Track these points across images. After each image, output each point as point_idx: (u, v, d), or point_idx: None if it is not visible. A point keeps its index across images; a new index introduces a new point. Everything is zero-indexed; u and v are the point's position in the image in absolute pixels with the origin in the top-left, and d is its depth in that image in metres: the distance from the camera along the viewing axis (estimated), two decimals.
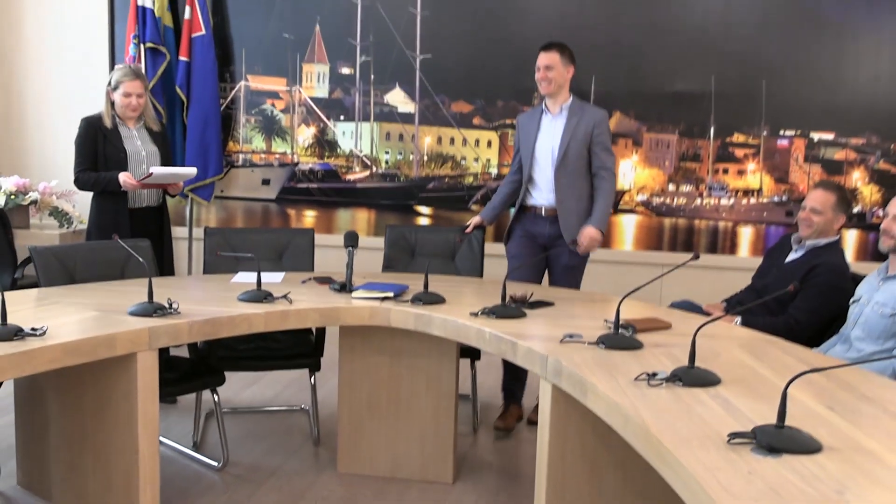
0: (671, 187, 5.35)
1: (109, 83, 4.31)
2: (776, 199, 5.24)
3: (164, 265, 4.41)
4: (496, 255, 4.54)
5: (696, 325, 2.40)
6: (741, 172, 5.26)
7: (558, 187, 4.11)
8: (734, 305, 3.87)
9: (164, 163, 4.39)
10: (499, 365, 4.37)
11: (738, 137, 5.24)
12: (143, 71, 5.26)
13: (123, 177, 4.17)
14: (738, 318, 3.50)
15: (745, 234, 5.29)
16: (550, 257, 4.19)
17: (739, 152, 5.25)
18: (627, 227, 5.44)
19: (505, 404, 4.34)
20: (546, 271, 4.26)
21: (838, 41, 5.04)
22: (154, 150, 4.37)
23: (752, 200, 5.27)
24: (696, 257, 2.96)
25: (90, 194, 4.38)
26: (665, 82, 5.25)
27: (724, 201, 5.29)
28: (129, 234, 4.15)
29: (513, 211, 4.34)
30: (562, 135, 4.10)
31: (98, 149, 4.26)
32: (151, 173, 4.12)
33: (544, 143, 4.16)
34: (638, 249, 5.39)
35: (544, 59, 4.10)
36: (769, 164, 5.23)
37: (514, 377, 4.27)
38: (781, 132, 5.18)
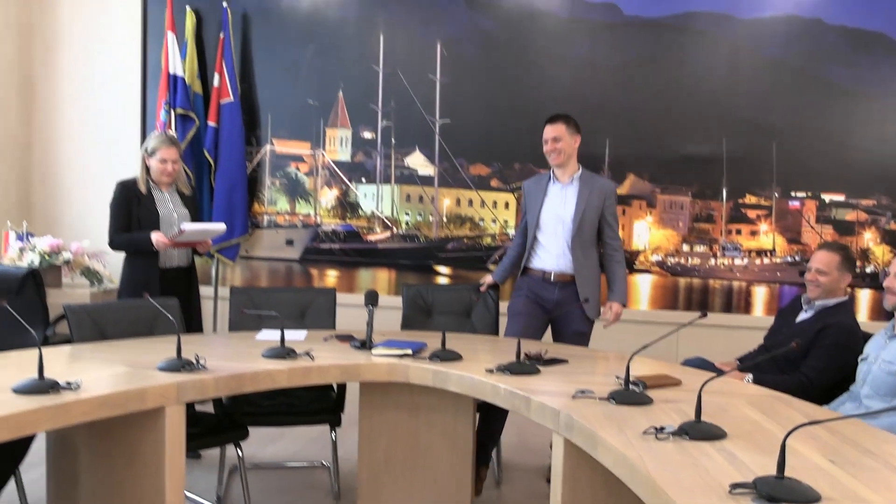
0: (685, 248, 5.45)
1: (146, 149, 4.51)
2: (789, 258, 5.33)
3: (192, 323, 4.55)
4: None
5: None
6: (754, 233, 5.36)
7: (575, 256, 4.25)
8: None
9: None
10: (518, 421, 4.43)
11: (750, 199, 5.35)
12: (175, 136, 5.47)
13: (156, 236, 4.33)
14: (750, 376, 3.57)
15: (759, 294, 5.37)
16: (559, 322, 4.29)
17: (752, 213, 5.36)
18: (643, 286, 5.53)
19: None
20: (550, 334, 4.37)
21: (846, 105, 5.18)
22: (185, 212, 4.55)
23: (766, 260, 5.35)
24: (704, 315, 3.06)
25: (122, 254, 4.55)
26: (678, 145, 5.39)
27: (737, 261, 5.39)
28: (159, 292, 4.28)
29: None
30: (576, 204, 4.24)
31: (132, 211, 4.43)
32: (183, 230, 4.27)
33: (552, 210, 4.29)
34: (654, 308, 5.48)
35: (551, 131, 4.28)
36: (781, 225, 5.32)
37: (488, 435, 4.14)
38: (793, 193, 5.29)
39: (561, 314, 4.26)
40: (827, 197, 5.26)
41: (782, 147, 5.25)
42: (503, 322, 4.47)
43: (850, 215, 5.24)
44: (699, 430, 2.37)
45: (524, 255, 4.42)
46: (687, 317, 5.13)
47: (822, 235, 5.26)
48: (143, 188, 4.46)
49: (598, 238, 4.33)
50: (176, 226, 4.41)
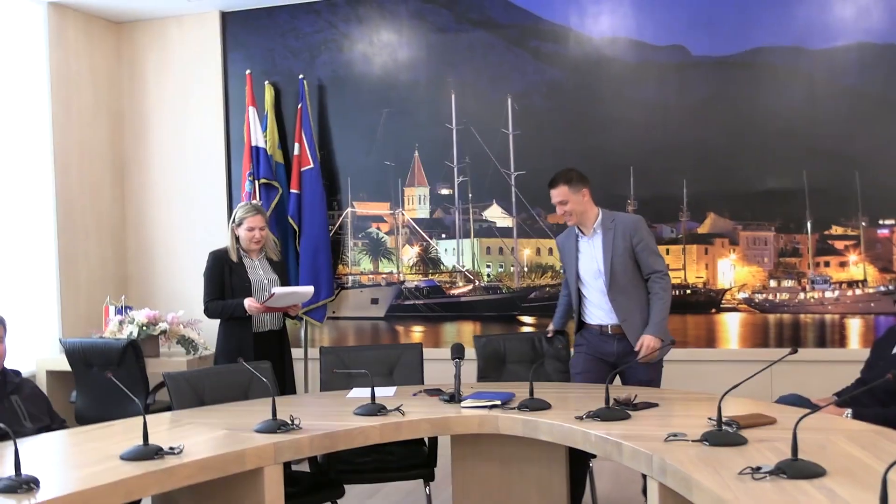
0: (773, 283, 5.35)
1: (233, 220, 4.72)
2: (882, 288, 5.18)
3: (285, 384, 4.69)
4: None
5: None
6: (843, 264, 5.24)
7: (617, 307, 4.21)
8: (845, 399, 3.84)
9: None
10: (612, 468, 4.39)
11: (836, 230, 5.24)
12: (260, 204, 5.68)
13: (248, 302, 4.52)
14: (849, 411, 3.48)
15: (854, 326, 5.22)
16: (624, 375, 4.22)
17: (839, 244, 5.24)
18: (731, 325, 5.44)
19: None
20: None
21: None
22: (275, 277, 4.74)
23: (858, 291, 5.22)
24: (795, 351, 3.01)
25: (216, 322, 4.74)
26: (757, 181, 5.33)
27: (828, 294, 5.26)
28: (252, 356, 4.42)
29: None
30: (602, 255, 4.22)
31: (224, 280, 4.64)
32: (274, 293, 4.45)
33: (587, 265, 4.29)
34: (743, 347, 5.38)
35: (555, 196, 4.28)
36: (871, 254, 5.19)
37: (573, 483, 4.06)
38: (881, 221, 5.16)
39: (623, 365, 4.15)
40: None
41: (866, 175, 5.14)
42: None
43: None
44: (797, 469, 2.33)
45: (575, 305, 4.42)
46: (778, 353, 5.00)
47: None
48: (234, 257, 4.67)
49: (641, 277, 4.27)
50: (267, 291, 4.57)
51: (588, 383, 4.14)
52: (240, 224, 4.68)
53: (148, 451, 2.81)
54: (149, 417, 2.98)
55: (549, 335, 4.56)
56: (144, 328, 5.36)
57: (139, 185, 6.44)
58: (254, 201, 5.50)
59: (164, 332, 5.44)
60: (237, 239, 4.71)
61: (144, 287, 6.38)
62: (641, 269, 4.26)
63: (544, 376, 4.44)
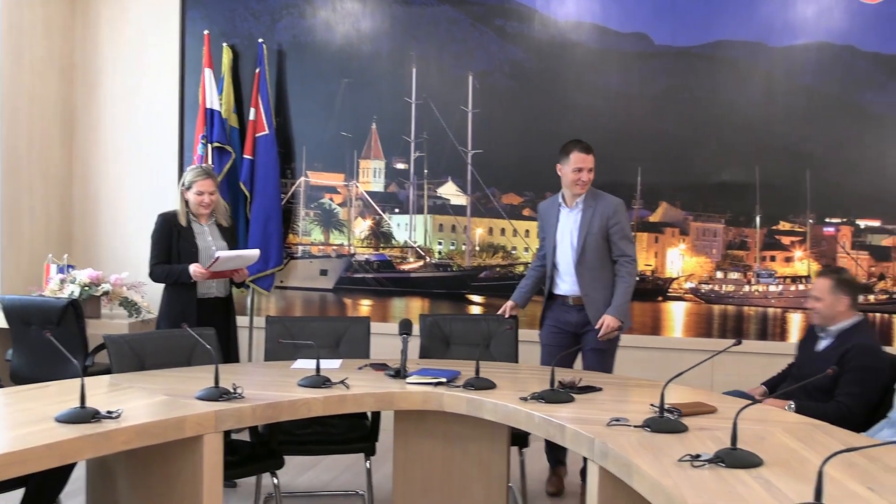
0: (719, 275, 5.43)
1: (183, 183, 4.64)
2: None
3: (229, 352, 4.63)
4: (530, 342, 4.66)
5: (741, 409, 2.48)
6: (788, 259, 5.33)
7: (581, 281, 4.33)
8: (773, 388, 3.96)
9: None
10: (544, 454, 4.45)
11: (784, 225, 5.32)
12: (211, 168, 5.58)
13: (194, 267, 4.45)
14: (792, 403, 3.55)
15: (795, 321, 5.32)
16: (582, 342, 4.37)
17: (786, 240, 5.33)
18: (677, 313, 5.51)
19: (551, 468, 4.56)
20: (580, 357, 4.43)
21: (880, 131, 5.15)
22: (223, 244, 4.67)
23: (801, 287, 5.31)
24: (739, 342, 3.05)
25: (160, 285, 4.66)
26: (710, 173, 5.39)
27: (772, 288, 5.35)
28: (196, 322, 4.36)
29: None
30: (578, 230, 4.32)
31: (172, 244, 4.55)
32: (218, 257, 4.39)
33: (563, 235, 4.40)
34: (688, 336, 5.45)
35: (587, 161, 4.32)
36: (816, 251, 5.29)
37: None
38: (827, 220, 5.26)
39: (583, 334, 4.37)
40: (862, 223, 5.22)
41: (816, 173, 5.22)
42: (523, 350, 4.50)
43: (886, 241, 5.19)
44: (735, 458, 2.37)
45: (545, 279, 4.50)
46: (721, 344, 5.07)
47: (857, 261, 5.22)
48: (182, 221, 4.59)
49: (610, 258, 4.37)
50: (214, 257, 4.50)
51: (549, 361, 4.19)
52: (189, 187, 4.60)
53: (84, 415, 2.75)
54: (87, 380, 2.91)
55: (504, 314, 4.54)
56: (86, 288, 5.24)
57: (89, 141, 6.27)
58: (204, 165, 5.40)
59: (106, 293, 5.33)
60: (186, 203, 4.63)
61: (89, 247, 6.23)
62: (612, 251, 4.36)
63: (489, 357, 4.44)
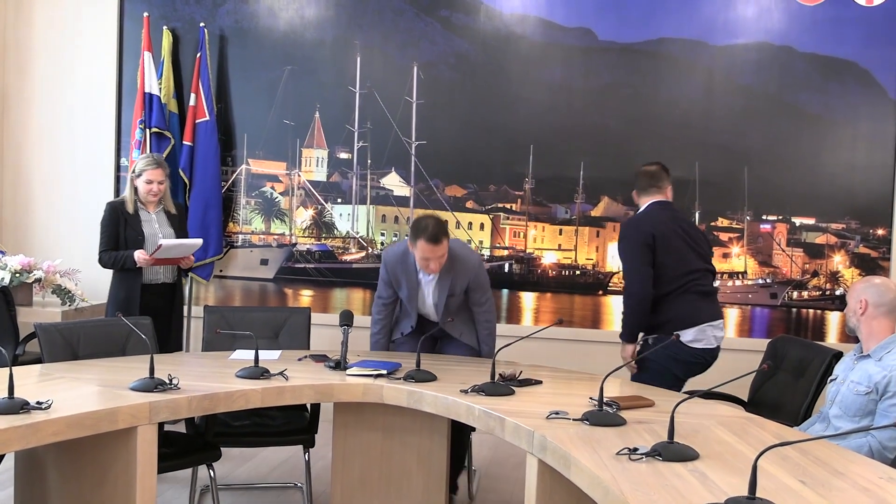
0: None
1: (133, 171, 4.67)
2: (760, 281, 5.39)
3: (173, 339, 4.71)
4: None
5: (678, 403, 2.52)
6: (726, 255, 5.42)
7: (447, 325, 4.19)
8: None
9: None
10: (491, 440, 4.44)
11: (722, 222, 5.41)
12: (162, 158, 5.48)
13: (138, 254, 4.49)
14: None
15: (731, 315, 5.41)
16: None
17: (724, 236, 5.42)
18: (617, 307, 5.56)
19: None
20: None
21: (817, 130, 5.27)
22: (170, 231, 4.70)
23: (738, 282, 5.41)
24: (677, 337, 3.09)
25: (96, 273, 4.69)
26: None
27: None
28: (140, 308, 4.47)
29: None
30: (438, 294, 4.13)
31: (119, 231, 4.59)
32: (161, 245, 4.41)
33: (424, 297, 4.19)
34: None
35: (437, 251, 3.90)
36: (753, 248, 5.39)
37: (456, 458, 4.08)
38: (764, 217, 5.36)
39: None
40: (798, 220, 5.34)
41: (754, 171, 5.32)
42: None
43: (820, 238, 5.32)
44: (672, 451, 2.40)
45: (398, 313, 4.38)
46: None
47: (792, 258, 5.33)
48: (130, 208, 4.63)
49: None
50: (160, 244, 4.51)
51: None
52: (139, 175, 4.64)
53: (13, 405, 2.68)
54: (16, 369, 2.83)
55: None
56: (17, 275, 5.09)
57: (19, 123, 6.08)
58: (155, 154, 5.29)
59: (38, 280, 5.19)
60: (135, 190, 4.65)
61: (20, 232, 6.05)
62: (469, 300, 4.22)
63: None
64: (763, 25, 5.29)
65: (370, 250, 5.82)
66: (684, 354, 3.94)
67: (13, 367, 2.81)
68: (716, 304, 4.16)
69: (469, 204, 5.68)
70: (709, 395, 3.27)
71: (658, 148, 5.40)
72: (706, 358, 4.02)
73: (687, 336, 3.92)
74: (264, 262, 5.94)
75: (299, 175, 5.88)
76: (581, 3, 5.47)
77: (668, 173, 4.22)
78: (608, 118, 5.48)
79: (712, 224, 5.41)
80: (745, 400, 4.03)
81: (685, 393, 3.54)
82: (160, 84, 5.72)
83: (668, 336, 3.19)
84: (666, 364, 3.94)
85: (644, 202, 4.20)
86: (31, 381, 3.18)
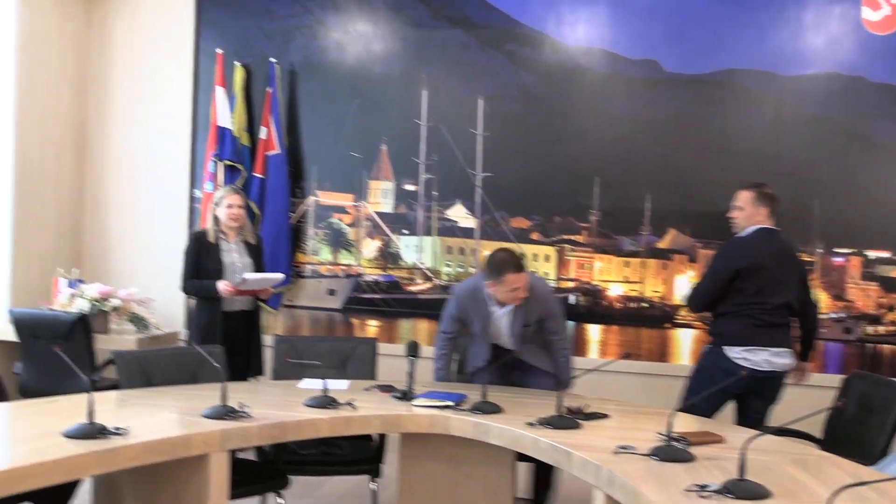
0: None
1: (214, 202, 4.88)
2: (833, 315, 5.27)
3: (252, 364, 4.92)
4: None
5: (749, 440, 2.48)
6: None
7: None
8: None
9: (257, 272, 4.85)
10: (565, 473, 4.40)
11: None
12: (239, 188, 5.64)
13: (221, 285, 4.67)
14: None
15: None
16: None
17: None
18: (685, 341, 5.50)
19: None
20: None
21: (890, 161, 5.16)
22: (249, 261, 4.87)
23: None
24: (746, 373, 3.05)
25: (172, 301, 4.98)
26: (719, 201, 5.32)
27: None
28: (221, 334, 4.65)
29: None
30: (511, 326, 4.11)
31: (201, 260, 4.77)
32: (245, 279, 4.61)
33: (496, 330, 4.16)
34: (695, 363, 5.42)
35: (519, 281, 3.91)
36: (826, 281, 5.28)
37: (544, 485, 4.24)
38: (836, 250, 5.25)
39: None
40: (871, 253, 5.22)
41: (825, 203, 5.23)
42: None
43: (895, 272, 5.19)
44: (743, 489, 2.36)
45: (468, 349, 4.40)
46: None
47: (867, 292, 5.21)
48: (211, 238, 4.81)
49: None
50: (239, 274, 4.71)
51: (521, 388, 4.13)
52: (219, 203, 4.82)
53: (92, 430, 2.76)
54: (95, 395, 2.92)
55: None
56: (96, 303, 5.26)
57: (100, 156, 6.31)
58: (234, 185, 5.48)
59: (115, 308, 5.35)
60: (216, 220, 4.83)
61: (98, 261, 6.25)
62: (545, 329, 4.19)
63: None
64: (833, 55, 5.22)
65: (435, 281, 5.86)
66: (729, 365, 4.01)
67: (92, 394, 2.91)
68: (778, 334, 4.17)
69: (534, 235, 5.69)
70: (781, 431, 3.22)
71: (725, 179, 5.33)
72: (751, 376, 3.94)
73: (732, 352, 4.06)
74: (332, 292, 6.03)
75: (366, 206, 5.96)
76: (646, 35, 5.48)
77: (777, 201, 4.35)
78: (674, 149, 5.45)
79: None
80: (819, 437, 3.94)
81: (759, 430, 3.47)
82: (232, 118, 5.89)
83: (719, 347, 3.66)
84: (712, 371, 4.07)
85: (752, 224, 4.26)
86: (108, 407, 3.27)
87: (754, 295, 4.11)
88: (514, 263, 3.92)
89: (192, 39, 6.14)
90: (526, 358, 4.19)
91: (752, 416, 4.14)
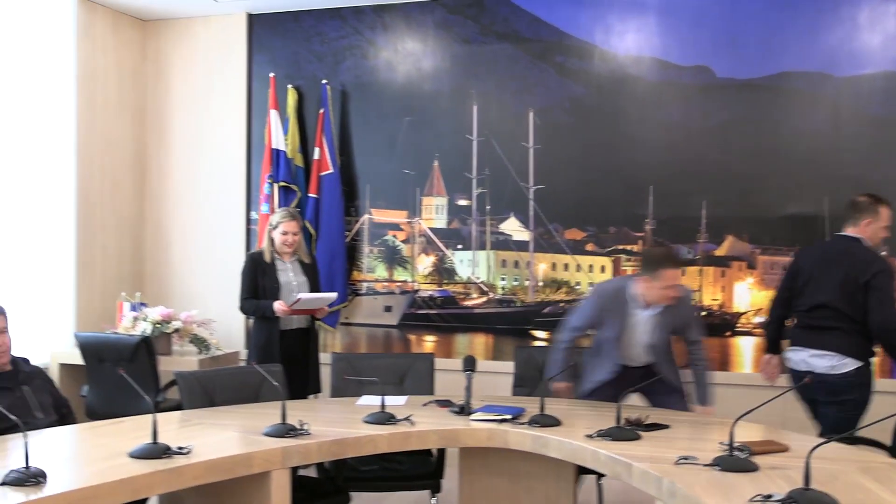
0: None
1: (270, 224, 4.97)
2: None
3: (310, 381, 5.00)
4: None
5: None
6: None
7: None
8: None
9: (312, 290, 4.94)
10: (618, 486, 4.36)
11: None
12: (278, 207, 5.74)
13: (277, 304, 4.76)
14: None
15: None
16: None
17: None
18: (746, 348, 5.41)
19: None
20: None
21: None
22: (304, 280, 4.96)
23: None
24: (809, 379, 2.98)
25: (231, 322, 5.04)
26: (776, 205, 5.30)
27: None
28: (279, 352, 4.76)
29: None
30: (654, 332, 4.01)
31: (258, 280, 4.87)
32: (299, 299, 4.67)
33: (636, 336, 4.04)
34: (757, 371, 5.32)
35: (675, 277, 3.87)
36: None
37: None
38: None
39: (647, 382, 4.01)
40: None
41: (891, 204, 5.09)
42: None
43: None
44: (809, 499, 2.31)
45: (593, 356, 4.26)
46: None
47: None
48: (267, 258, 4.92)
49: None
50: (294, 292, 4.79)
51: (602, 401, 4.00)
52: (275, 227, 4.93)
53: (156, 450, 2.82)
54: (159, 416, 2.98)
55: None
56: (158, 325, 5.37)
57: (159, 182, 6.47)
58: (291, 208, 5.58)
59: (177, 330, 5.45)
60: (272, 241, 4.93)
61: (160, 284, 6.39)
62: (686, 337, 4.11)
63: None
64: (890, 54, 5.10)
65: (491, 295, 5.86)
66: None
67: (156, 414, 2.97)
68: (816, 336, 4.17)
69: (589, 247, 5.66)
70: (849, 439, 3.14)
71: (783, 184, 5.27)
72: (793, 375, 4.24)
73: (787, 354, 4.30)
74: (388, 308, 6.06)
75: (420, 223, 6.00)
76: (697, 42, 5.43)
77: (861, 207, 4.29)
78: (729, 156, 5.38)
79: None
80: (889, 445, 3.83)
81: (823, 437, 3.40)
82: (286, 140, 5.99)
83: None
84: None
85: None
86: (172, 427, 3.34)
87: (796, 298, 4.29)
88: (672, 259, 3.89)
89: (245, 64, 6.27)
90: (661, 371, 4.03)
91: (821, 422, 4.13)
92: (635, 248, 5.58)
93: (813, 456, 2.38)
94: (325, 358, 5.18)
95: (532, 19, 5.77)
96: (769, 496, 2.34)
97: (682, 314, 4.01)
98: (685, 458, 2.82)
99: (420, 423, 3.50)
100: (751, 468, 2.71)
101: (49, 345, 5.67)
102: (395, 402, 3.90)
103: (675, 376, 4.12)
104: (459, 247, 5.95)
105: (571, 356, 4.15)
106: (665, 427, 3.40)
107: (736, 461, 2.74)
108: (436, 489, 4.08)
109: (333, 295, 4.99)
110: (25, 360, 3.61)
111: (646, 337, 4.01)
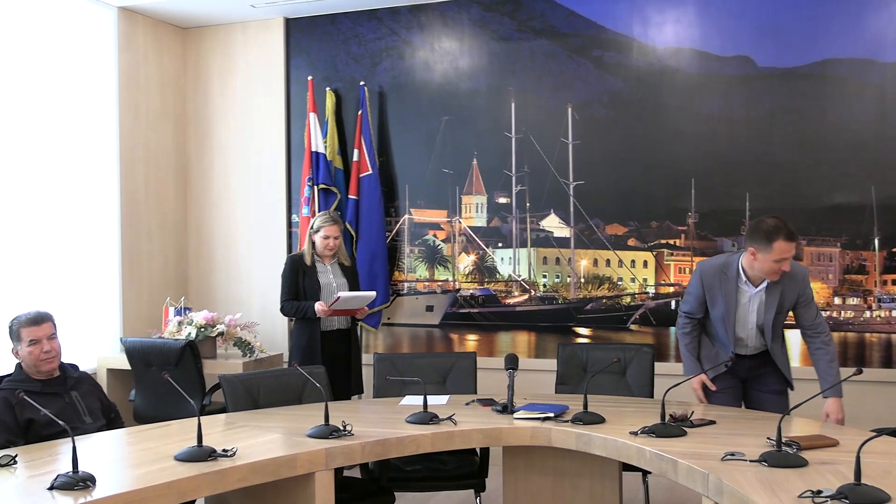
0: (837, 300, 5.21)
1: (311, 227, 5.05)
2: None
3: (352, 381, 5.06)
4: (665, 375, 4.47)
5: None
6: None
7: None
8: None
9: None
10: (669, 480, 4.31)
11: None
12: (318, 210, 5.78)
13: (318, 305, 4.83)
14: None
15: None
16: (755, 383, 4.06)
17: None
18: (793, 342, 5.28)
19: None
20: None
21: None
22: (343, 281, 5.04)
23: None
24: (860, 372, 2.91)
25: (274, 325, 5.11)
26: (822, 195, 5.20)
27: (895, 313, 5.10)
28: (320, 353, 4.85)
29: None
30: (765, 309, 3.84)
31: (298, 282, 4.96)
32: (339, 297, 4.73)
33: (745, 315, 3.88)
34: (805, 365, 5.22)
35: (790, 250, 3.63)
36: None
37: None
38: None
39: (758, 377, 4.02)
40: None
41: None
42: (658, 382, 4.31)
43: None
44: (860, 494, 2.26)
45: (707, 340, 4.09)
46: (842, 373, 4.88)
47: None
48: (308, 260, 5.01)
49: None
50: (335, 294, 4.85)
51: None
52: (317, 231, 5.01)
53: (202, 453, 2.85)
54: (204, 419, 3.02)
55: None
56: (202, 329, 5.43)
57: (201, 187, 6.54)
58: (332, 211, 5.62)
59: (221, 333, 5.51)
60: (313, 244, 5.01)
61: (204, 289, 6.47)
62: (800, 320, 3.91)
63: (625, 390, 4.36)
64: None
65: (532, 293, 5.83)
66: None
67: (201, 417, 3.00)
68: None
69: (631, 242, 5.60)
70: None
71: (828, 174, 5.17)
72: None
73: None
74: (429, 308, 6.07)
75: (460, 222, 5.99)
76: (737, 32, 5.34)
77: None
78: (773, 146, 5.29)
79: (894, 250, 5.09)
80: None
81: (873, 431, 3.32)
82: (325, 142, 6.02)
83: None
84: None
85: None
86: (217, 429, 3.37)
87: None
88: (786, 231, 3.57)
89: (283, 68, 6.32)
90: (775, 359, 3.91)
91: None
92: (678, 242, 5.51)
93: (864, 450, 2.32)
94: (367, 359, 5.22)
95: (568, 14, 5.73)
96: (818, 492, 2.29)
97: (793, 290, 3.78)
98: (732, 455, 2.77)
99: (463, 422, 3.49)
100: (799, 463, 2.66)
101: (96, 350, 5.76)
102: (437, 401, 3.90)
103: (786, 368, 3.97)
104: (500, 245, 5.93)
105: (695, 344, 4.01)
106: (711, 423, 3.36)
107: (784, 456, 2.69)
108: (480, 488, 4.07)
109: (373, 294, 5.06)
110: (74, 366, 3.68)
111: (753, 316, 3.85)
